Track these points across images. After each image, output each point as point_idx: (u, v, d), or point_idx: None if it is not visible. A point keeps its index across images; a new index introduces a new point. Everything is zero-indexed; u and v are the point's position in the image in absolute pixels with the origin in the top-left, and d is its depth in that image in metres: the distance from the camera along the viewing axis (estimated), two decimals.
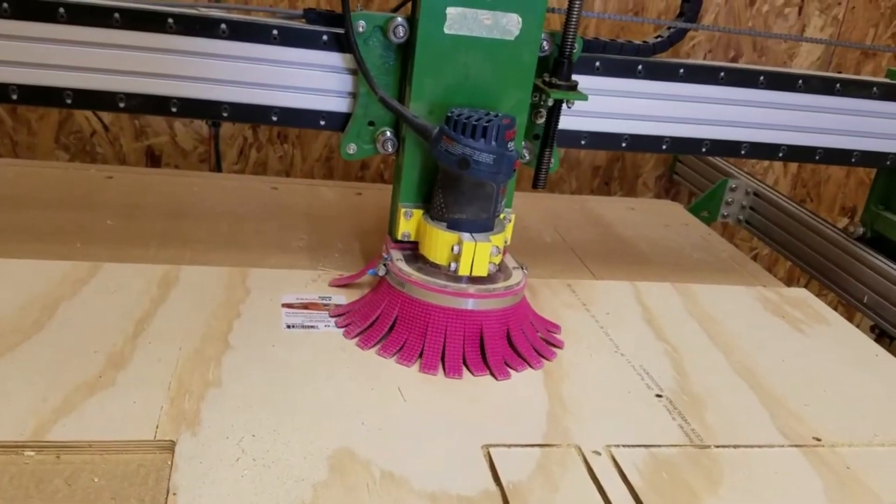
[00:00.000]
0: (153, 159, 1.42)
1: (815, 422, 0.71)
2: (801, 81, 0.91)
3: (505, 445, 0.62)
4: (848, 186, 1.76)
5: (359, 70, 0.77)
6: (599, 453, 0.63)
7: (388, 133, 0.80)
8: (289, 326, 0.75)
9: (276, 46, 0.77)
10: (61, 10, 0.73)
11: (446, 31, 0.74)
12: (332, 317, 0.78)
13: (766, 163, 1.70)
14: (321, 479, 0.56)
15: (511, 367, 0.74)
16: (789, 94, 0.91)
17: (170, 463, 0.56)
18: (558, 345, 0.79)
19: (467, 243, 0.73)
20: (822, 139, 0.94)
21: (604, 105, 0.86)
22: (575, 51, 0.77)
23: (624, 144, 0.89)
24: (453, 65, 0.75)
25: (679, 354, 0.80)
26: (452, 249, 0.74)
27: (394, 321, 0.75)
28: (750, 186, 1.35)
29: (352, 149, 0.81)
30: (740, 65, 0.99)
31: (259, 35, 0.77)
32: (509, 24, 0.74)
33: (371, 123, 0.80)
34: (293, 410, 0.63)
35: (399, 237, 0.79)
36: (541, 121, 0.81)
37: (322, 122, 0.81)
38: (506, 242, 0.78)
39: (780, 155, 0.94)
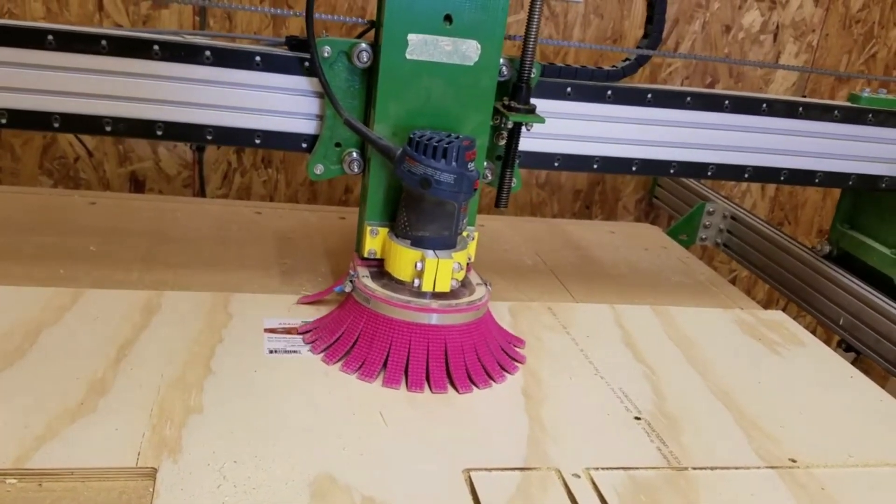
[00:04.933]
0: (137, 184, 1.42)
1: (791, 443, 0.73)
2: (765, 105, 0.93)
3: (485, 469, 0.63)
4: (825, 209, 1.79)
5: (325, 93, 0.79)
6: (579, 476, 0.64)
7: (355, 154, 0.82)
8: (271, 351, 0.76)
9: (259, 72, 0.79)
10: (50, 37, 0.74)
11: (408, 56, 0.76)
12: (300, 333, 0.79)
13: (743, 186, 1.72)
14: None
15: (474, 382, 0.75)
16: (754, 118, 0.94)
17: (151, 490, 0.56)
18: (520, 359, 0.80)
19: (430, 260, 0.75)
20: (787, 160, 0.97)
21: (576, 129, 0.88)
22: (533, 76, 0.80)
23: (595, 166, 0.91)
24: (415, 89, 0.77)
25: (657, 377, 0.81)
26: (416, 266, 0.76)
27: (358, 336, 0.76)
28: (727, 210, 1.38)
29: (319, 169, 0.83)
30: (706, 89, 1.01)
31: (242, 61, 0.78)
32: (469, 51, 0.77)
33: (338, 144, 0.82)
34: (275, 436, 0.64)
35: (365, 254, 0.81)
36: (502, 142, 0.84)
37: (304, 145, 0.82)
38: (469, 259, 0.80)
39: (746, 176, 0.96)
